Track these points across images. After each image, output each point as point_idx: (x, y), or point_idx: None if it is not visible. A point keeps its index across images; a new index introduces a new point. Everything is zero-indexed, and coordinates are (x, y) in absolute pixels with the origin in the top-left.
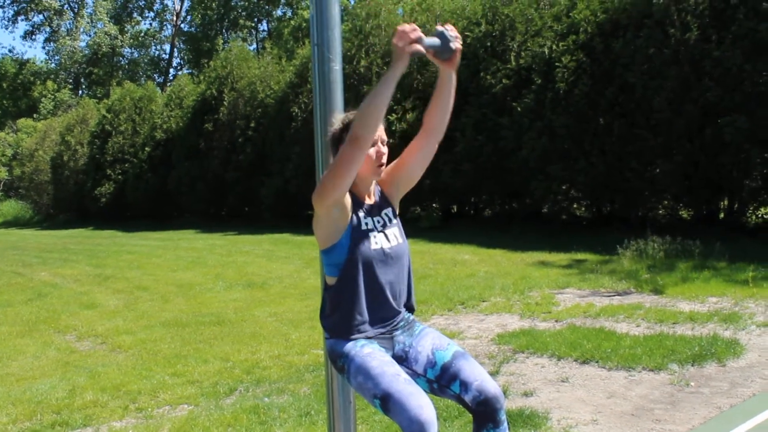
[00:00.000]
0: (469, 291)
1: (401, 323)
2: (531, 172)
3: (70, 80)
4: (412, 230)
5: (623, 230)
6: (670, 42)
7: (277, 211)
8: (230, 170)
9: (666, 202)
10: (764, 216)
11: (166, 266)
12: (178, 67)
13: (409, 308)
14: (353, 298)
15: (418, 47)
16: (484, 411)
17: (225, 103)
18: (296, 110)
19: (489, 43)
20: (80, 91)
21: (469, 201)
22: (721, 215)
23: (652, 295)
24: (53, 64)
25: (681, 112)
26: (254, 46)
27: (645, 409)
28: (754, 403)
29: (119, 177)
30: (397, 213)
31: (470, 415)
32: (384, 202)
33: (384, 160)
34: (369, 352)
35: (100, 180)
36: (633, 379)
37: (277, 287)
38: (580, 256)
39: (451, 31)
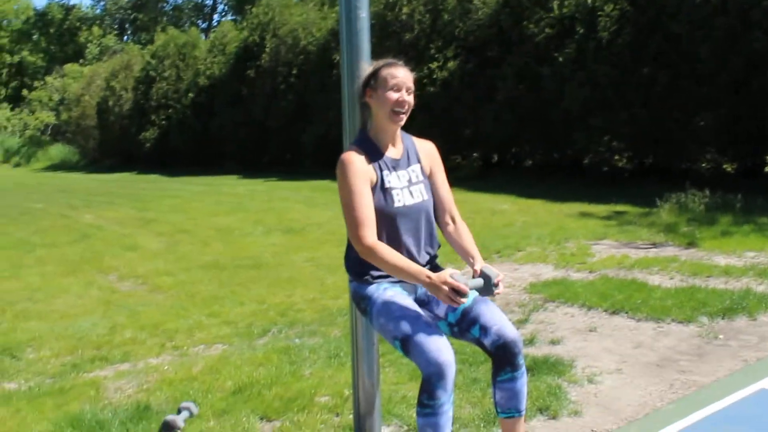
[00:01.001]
0: (505, 240)
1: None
2: (573, 123)
3: (116, 26)
4: (451, 179)
5: (665, 183)
6: None
7: (317, 159)
8: (272, 117)
9: (709, 155)
10: None
11: (207, 210)
12: (222, 14)
13: (432, 257)
14: None
15: (462, 300)
16: (503, 355)
17: (267, 49)
18: (337, 57)
19: None
20: (125, 37)
21: (509, 151)
22: (766, 169)
23: (689, 249)
24: (99, 10)
25: (727, 64)
26: None
27: (671, 360)
28: None
29: (163, 123)
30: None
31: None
32: (414, 158)
33: (405, 108)
34: (391, 295)
35: (144, 125)
36: (661, 331)
37: (316, 233)
38: (619, 207)
39: (497, 279)
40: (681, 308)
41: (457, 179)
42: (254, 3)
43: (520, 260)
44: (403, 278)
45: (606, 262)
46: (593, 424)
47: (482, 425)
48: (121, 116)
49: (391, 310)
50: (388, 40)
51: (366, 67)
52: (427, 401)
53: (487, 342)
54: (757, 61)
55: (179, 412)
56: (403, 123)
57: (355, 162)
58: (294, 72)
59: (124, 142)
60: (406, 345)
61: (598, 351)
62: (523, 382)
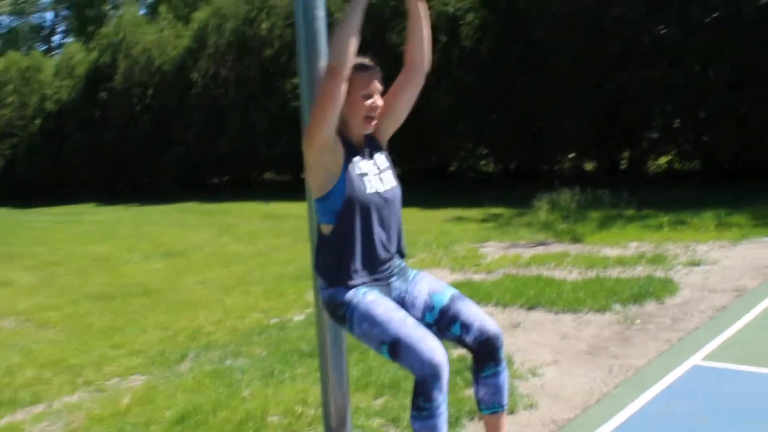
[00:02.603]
0: None
1: (396, 269)
2: (440, 129)
3: None
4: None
5: (532, 184)
6: None
7: (179, 180)
8: (128, 140)
9: (571, 156)
10: (662, 166)
11: (75, 240)
12: (63, 35)
13: (401, 254)
14: (351, 243)
15: None
16: (486, 350)
17: (119, 70)
18: (195, 76)
19: (393, 2)
20: None
21: None
22: (623, 166)
23: (573, 244)
24: None
25: (585, 67)
26: (144, 10)
27: (599, 347)
28: (700, 334)
29: (8, 152)
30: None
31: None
32: (376, 146)
33: (377, 113)
34: (373, 299)
35: None
36: (581, 321)
37: (198, 255)
38: (493, 210)
39: None
40: (594, 298)
41: None
42: (99, 23)
43: (414, 266)
44: (356, 19)
45: (501, 262)
46: (551, 414)
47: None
48: None
49: (376, 314)
50: (248, 57)
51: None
52: (424, 404)
53: (469, 339)
54: (613, 65)
55: None
56: (374, 127)
57: None
58: (150, 92)
59: None
60: (396, 349)
61: (529, 345)
62: (505, 375)
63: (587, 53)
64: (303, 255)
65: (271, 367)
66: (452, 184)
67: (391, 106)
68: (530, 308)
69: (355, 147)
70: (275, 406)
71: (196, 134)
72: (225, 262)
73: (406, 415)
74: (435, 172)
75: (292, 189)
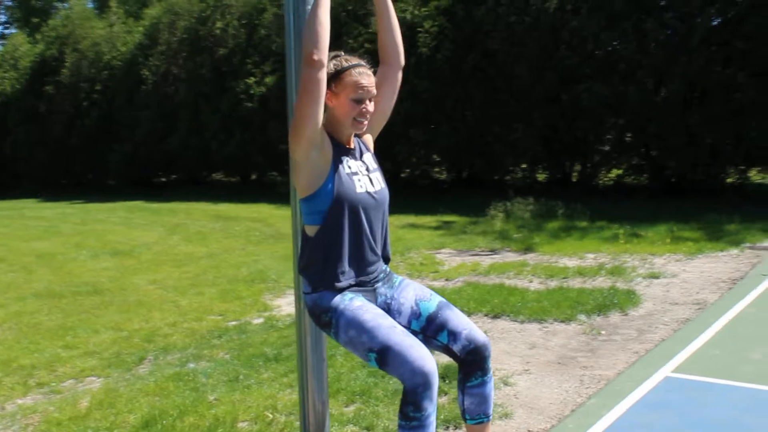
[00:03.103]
0: None
1: (381, 275)
2: (395, 136)
3: None
4: (272, 197)
5: (484, 193)
6: (531, 10)
7: (126, 178)
8: (74, 135)
9: (524, 165)
10: (614, 178)
11: (17, 236)
12: (6, 26)
13: (386, 258)
14: (338, 243)
15: None
16: (473, 360)
17: (67, 64)
18: (146, 73)
19: (350, 7)
20: None
21: None
22: (575, 178)
23: (529, 253)
24: None
25: (541, 79)
26: (91, 4)
27: (568, 357)
28: (668, 346)
29: None
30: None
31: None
32: (364, 147)
33: (368, 118)
34: (360, 305)
35: None
36: (548, 330)
37: (147, 255)
38: (447, 218)
39: None
40: (559, 308)
41: (277, 196)
42: (45, 15)
43: None
44: (325, 3)
45: (460, 270)
46: (526, 424)
47: None
48: None
49: (364, 320)
50: (200, 55)
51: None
52: (414, 413)
53: (456, 348)
54: (568, 77)
55: None
56: (365, 129)
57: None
58: (98, 88)
59: None
60: (385, 357)
61: (498, 354)
62: (491, 385)
63: (543, 65)
64: (256, 258)
65: (236, 371)
66: (404, 190)
67: (374, 106)
68: (495, 317)
69: (343, 146)
70: (244, 412)
71: (145, 132)
72: (176, 263)
73: (380, 422)
74: (389, 178)
75: (241, 191)
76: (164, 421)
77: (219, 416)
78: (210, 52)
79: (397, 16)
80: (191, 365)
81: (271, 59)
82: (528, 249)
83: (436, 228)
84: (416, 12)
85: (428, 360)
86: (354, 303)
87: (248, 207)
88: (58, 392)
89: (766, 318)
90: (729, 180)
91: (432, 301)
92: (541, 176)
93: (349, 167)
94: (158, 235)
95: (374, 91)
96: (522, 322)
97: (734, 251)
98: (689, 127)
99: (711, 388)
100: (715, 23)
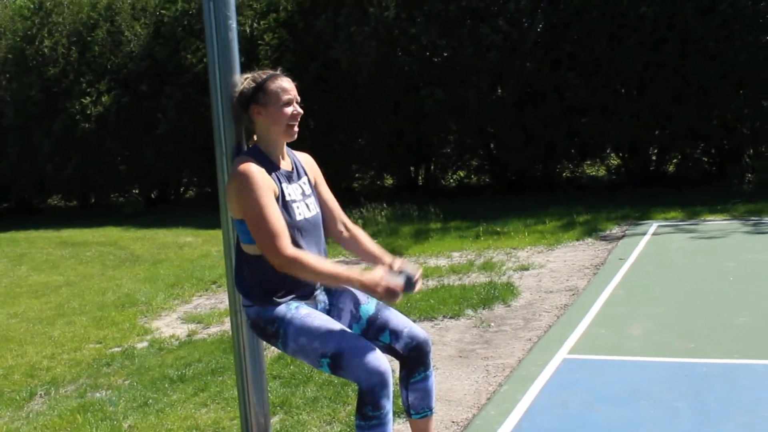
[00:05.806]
0: (213, 270)
1: (318, 284)
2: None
3: None
4: (117, 218)
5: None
6: (370, 19)
7: None
8: None
9: (372, 172)
10: (456, 180)
11: None
12: None
13: None
14: None
15: (396, 300)
16: (416, 356)
17: None
18: None
19: (186, 21)
20: None
21: (172, 184)
22: (420, 181)
23: (396, 256)
24: None
25: (383, 86)
26: None
27: (468, 350)
28: (557, 330)
29: None
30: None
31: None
32: (302, 171)
33: (298, 120)
34: (307, 312)
35: None
36: (440, 327)
37: None
38: None
39: (417, 275)
40: (446, 305)
41: (123, 217)
42: None
43: None
44: (332, 283)
45: None
46: (449, 416)
47: None
48: None
49: (313, 327)
50: (28, 76)
51: (238, 80)
52: (373, 412)
53: (399, 346)
54: (410, 83)
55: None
56: (296, 135)
57: (257, 173)
58: None
59: None
60: (338, 361)
61: None
62: (433, 379)
63: (385, 72)
64: (118, 282)
65: (143, 396)
66: None
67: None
68: None
69: (279, 167)
70: None
71: None
72: (33, 294)
73: (308, 430)
74: None
75: (82, 214)
76: None
77: None
78: (38, 72)
79: (238, 30)
80: (95, 395)
81: (107, 77)
82: (393, 252)
83: None
84: (255, 25)
85: (382, 359)
86: (301, 311)
87: (94, 231)
88: None
89: (634, 298)
90: (565, 174)
91: (370, 304)
92: (388, 181)
93: (289, 195)
94: (4, 267)
95: (297, 96)
96: (414, 321)
97: (589, 240)
98: (526, 127)
99: (607, 364)
100: (542, 28)
